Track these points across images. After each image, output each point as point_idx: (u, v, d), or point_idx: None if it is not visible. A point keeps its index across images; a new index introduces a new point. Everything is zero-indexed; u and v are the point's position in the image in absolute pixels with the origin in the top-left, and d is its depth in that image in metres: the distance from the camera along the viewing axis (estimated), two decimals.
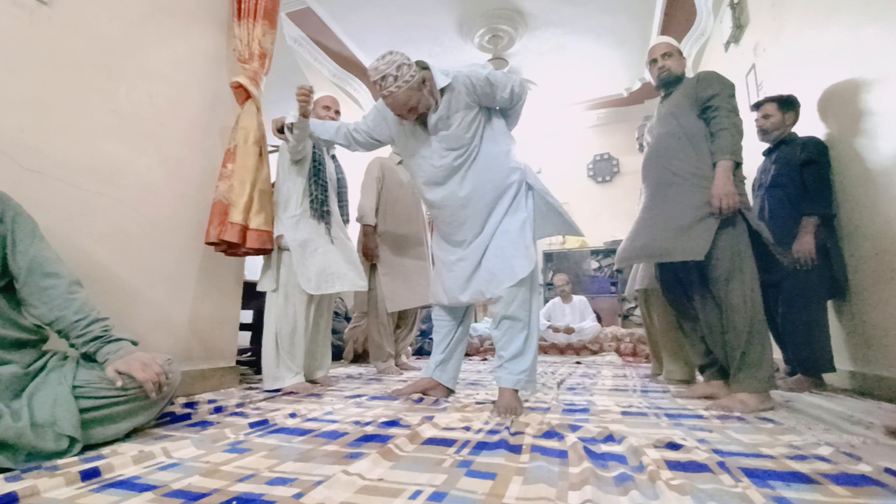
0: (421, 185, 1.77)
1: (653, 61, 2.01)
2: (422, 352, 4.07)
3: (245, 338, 2.82)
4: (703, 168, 1.76)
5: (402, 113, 1.59)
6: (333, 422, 1.34)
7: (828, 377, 2.10)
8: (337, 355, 3.60)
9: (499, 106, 1.72)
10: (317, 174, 2.17)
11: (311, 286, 2.02)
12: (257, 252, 2.10)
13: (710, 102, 1.79)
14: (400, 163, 2.99)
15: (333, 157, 2.46)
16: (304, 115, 1.86)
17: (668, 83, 1.97)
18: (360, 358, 3.65)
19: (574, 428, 1.26)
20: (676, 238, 1.72)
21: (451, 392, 1.88)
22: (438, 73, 1.61)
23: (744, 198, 1.75)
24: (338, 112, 2.40)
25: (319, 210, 2.15)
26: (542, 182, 1.75)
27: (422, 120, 1.66)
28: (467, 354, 4.33)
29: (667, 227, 1.75)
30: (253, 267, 2.35)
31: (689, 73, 2.01)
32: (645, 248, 1.82)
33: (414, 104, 1.56)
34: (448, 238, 1.78)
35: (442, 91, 1.60)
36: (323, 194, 2.18)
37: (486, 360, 3.89)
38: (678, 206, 1.75)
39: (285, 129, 1.98)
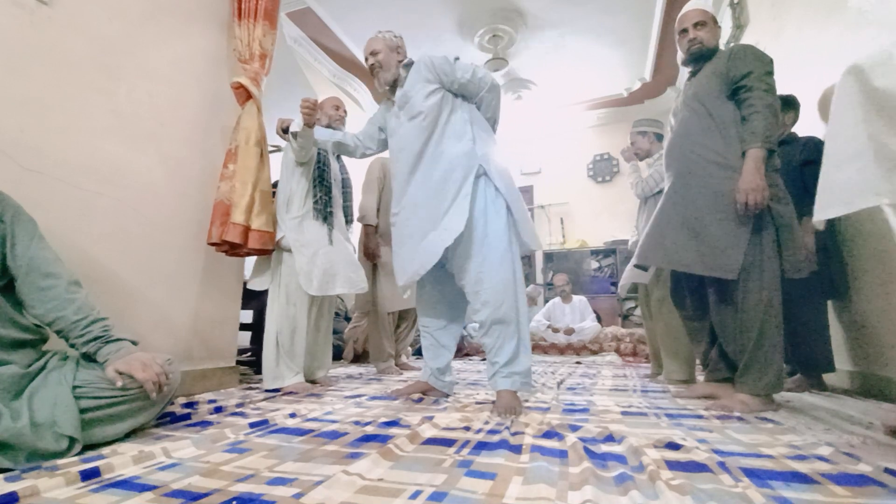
0: (392, 163, 1.85)
1: (683, 31, 1.80)
2: (422, 352, 4.06)
3: (245, 338, 2.82)
4: (730, 157, 1.60)
5: (365, 54, 1.84)
6: (333, 422, 1.34)
7: (828, 377, 2.10)
8: (337, 355, 3.61)
9: (463, 90, 1.75)
10: (321, 175, 2.18)
11: (314, 288, 2.02)
12: (259, 252, 2.10)
13: (742, 82, 1.61)
14: None
15: (338, 157, 2.47)
16: (309, 125, 1.92)
17: (699, 58, 1.77)
18: (360, 358, 3.65)
19: (574, 428, 1.26)
20: (703, 249, 1.61)
21: (448, 395, 1.88)
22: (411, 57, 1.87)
23: (776, 189, 1.60)
24: (345, 112, 2.47)
25: (323, 211, 2.15)
26: (516, 188, 1.74)
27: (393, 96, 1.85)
28: (467, 354, 4.33)
29: (692, 231, 1.64)
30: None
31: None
32: (672, 254, 1.70)
33: (377, 50, 1.81)
34: (398, 216, 1.78)
35: (407, 69, 1.81)
36: (326, 196, 2.19)
37: (485, 359, 3.89)
38: (703, 205, 1.64)
39: (289, 134, 1.99)
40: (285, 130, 2.02)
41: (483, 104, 1.80)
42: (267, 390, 1.98)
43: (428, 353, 1.87)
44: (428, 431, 1.21)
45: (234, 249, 2.02)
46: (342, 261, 2.17)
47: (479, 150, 1.69)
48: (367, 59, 1.83)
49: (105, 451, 1.04)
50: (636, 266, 1.99)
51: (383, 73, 1.81)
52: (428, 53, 1.78)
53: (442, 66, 1.72)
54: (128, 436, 1.15)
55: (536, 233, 1.78)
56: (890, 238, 1.80)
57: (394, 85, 1.83)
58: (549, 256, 5.93)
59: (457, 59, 1.77)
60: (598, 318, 4.63)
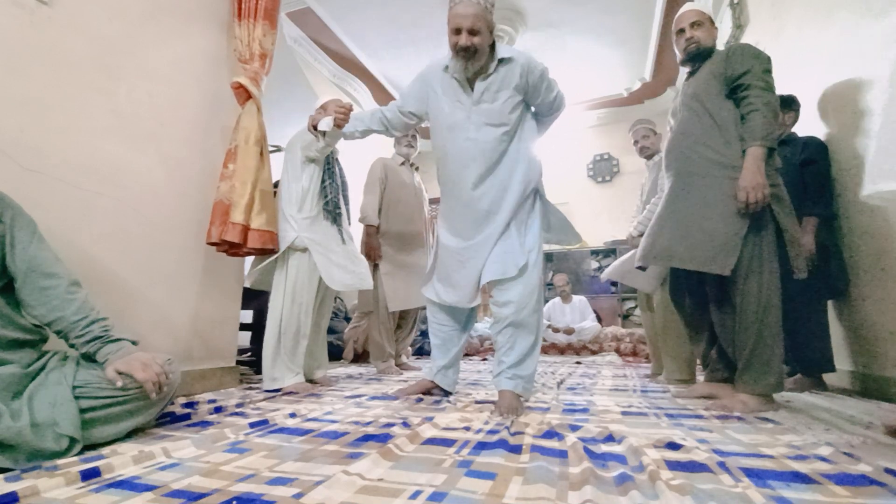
0: (447, 163, 1.69)
1: (680, 31, 1.82)
2: (422, 352, 4.07)
3: (245, 338, 2.82)
4: (731, 156, 1.61)
5: (463, 26, 1.48)
6: (333, 422, 1.34)
7: (828, 377, 2.10)
8: (337, 355, 3.61)
9: (538, 107, 1.71)
10: (331, 175, 2.20)
11: (344, 283, 2.09)
12: (258, 252, 2.10)
13: (740, 80, 1.63)
14: (403, 164, 3.00)
15: (336, 160, 2.47)
16: (339, 127, 1.89)
17: (696, 57, 1.79)
18: (360, 358, 3.65)
19: (574, 428, 1.26)
20: (699, 245, 1.62)
21: (450, 393, 1.88)
22: (502, 45, 1.62)
23: (777, 189, 1.62)
24: None
25: (333, 212, 2.17)
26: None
27: (469, 84, 1.62)
28: (467, 354, 4.34)
29: (690, 228, 1.65)
30: None
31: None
32: (667, 250, 1.71)
33: (478, 29, 1.49)
34: (458, 231, 1.71)
35: (500, 63, 1.58)
36: (337, 195, 2.21)
37: (485, 360, 3.89)
38: (703, 203, 1.64)
39: (318, 131, 1.99)
40: (315, 127, 2.02)
41: (542, 126, 1.77)
42: (267, 390, 1.98)
43: (439, 350, 1.87)
44: (428, 431, 1.21)
45: (233, 249, 2.02)
46: (356, 259, 2.21)
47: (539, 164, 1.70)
48: (458, 32, 1.49)
49: (105, 451, 1.04)
50: (637, 268, 1.99)
51: (474, 62, 1.54)
52: (530, 58, 1.58)
53: (536, 84, 1.60)
54: (128, 436, 1.15)
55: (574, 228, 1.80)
56: (890, 238, 1.80)
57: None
58: (548, 256, 5.93)
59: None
60: (598, 318, 4.63)
